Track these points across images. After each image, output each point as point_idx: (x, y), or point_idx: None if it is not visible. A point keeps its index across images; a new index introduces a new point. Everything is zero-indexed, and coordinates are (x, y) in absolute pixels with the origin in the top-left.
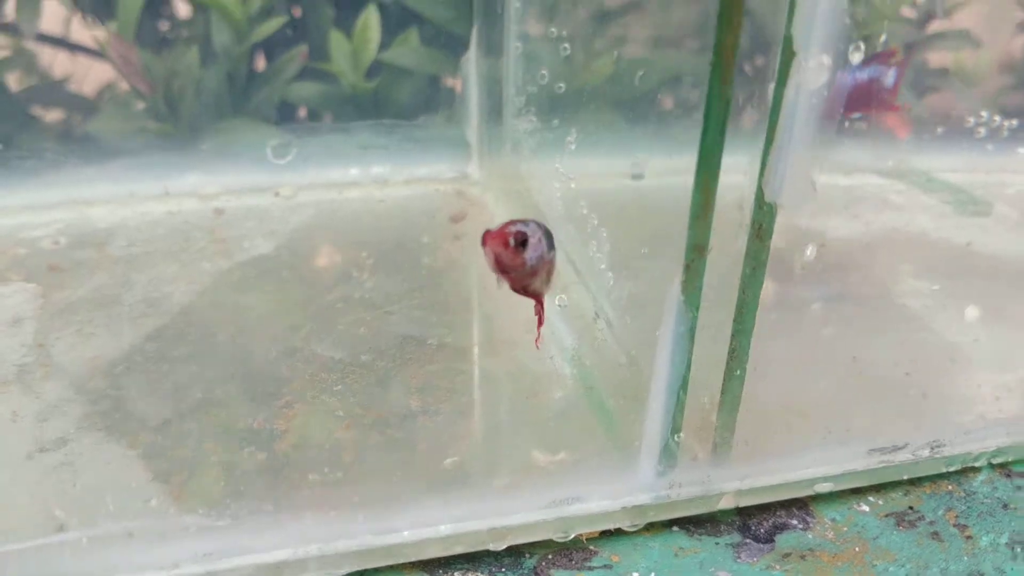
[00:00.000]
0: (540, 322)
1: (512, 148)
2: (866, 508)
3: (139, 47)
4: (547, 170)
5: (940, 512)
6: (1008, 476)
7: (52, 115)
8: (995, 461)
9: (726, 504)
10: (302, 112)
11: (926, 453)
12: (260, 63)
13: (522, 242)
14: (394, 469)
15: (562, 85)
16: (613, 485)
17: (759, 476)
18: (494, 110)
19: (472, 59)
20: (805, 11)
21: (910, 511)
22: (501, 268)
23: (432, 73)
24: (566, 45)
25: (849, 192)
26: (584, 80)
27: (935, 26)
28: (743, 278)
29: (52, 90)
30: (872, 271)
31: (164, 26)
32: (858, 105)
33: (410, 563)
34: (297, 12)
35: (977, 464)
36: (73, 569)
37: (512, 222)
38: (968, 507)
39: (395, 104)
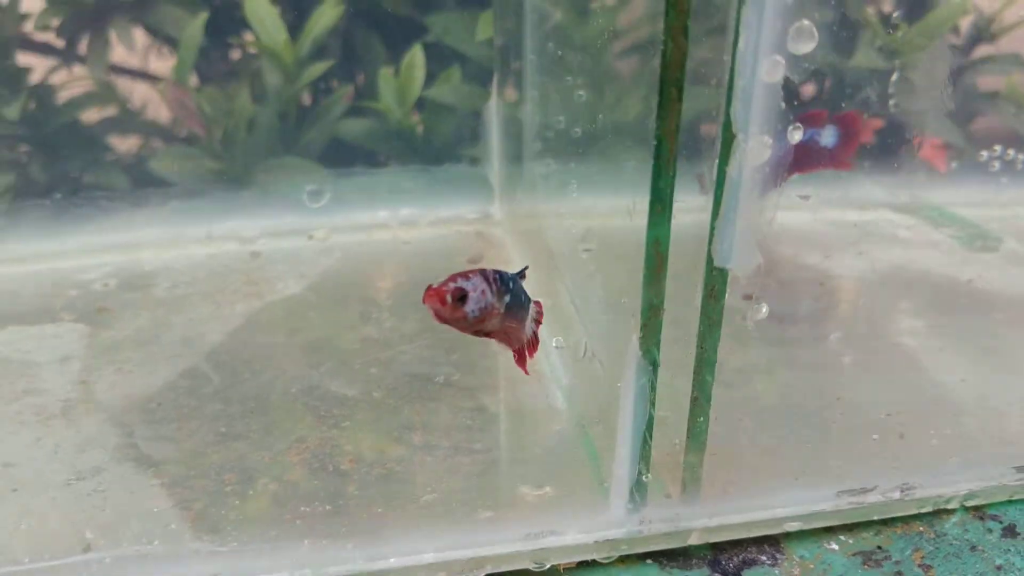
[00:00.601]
0: (519, 357)
1: (530, 190)
2: (835, 547)
3: (196, 88)
4: (560, 210)
5: (907, 552)
6: (981, 519)
7: (127, 144)
8: (969, 504)
9: (696, 540)
10: (342, 152)
11: (896, 495)
12: (307, 99)
13: (460, 298)
14: (389, 500)
15: (578, 130)
16: (587, 520)
17: (727, 515)
18: (515, 153)
19: (493, 106)
20: (743, 95)
21: (878, 550)
22: (442, 321)
23: (473, 109)
24: (581, 92)
25: (861, 228)
26: (615, 118)
27: (982, 50)
28: (700, 335)
29: (128, 119)
30: (870, 309)
31: (219, 69)
32: (804, 166)
33: None
34: (351, 46)
35: (950, 506)
36: None
37: (454, 276)
38: (936, 548)
39: (438, 139)
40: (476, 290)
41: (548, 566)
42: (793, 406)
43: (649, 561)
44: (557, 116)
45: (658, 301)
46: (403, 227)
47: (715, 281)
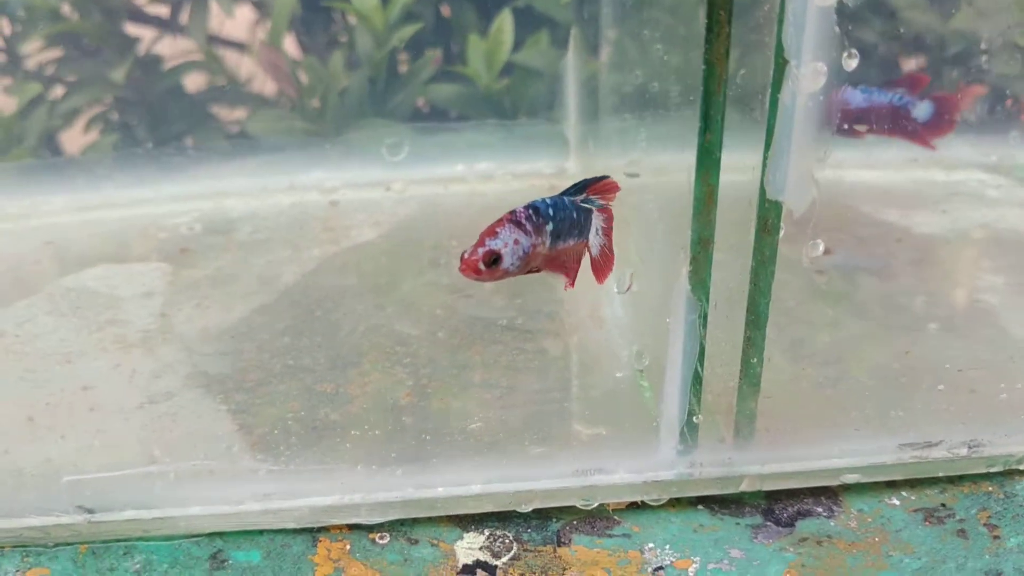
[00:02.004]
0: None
1: (605, 145)
2: (896, 502)
3: (296, 60)
4: (631, 165)
5: (973, 511)
6: None
7: (235, 114)
8: None
9: (748, 487)
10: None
11: (963, 452)
12: (402, 64)
13: (494, 260)
14: (440, 431)
15: (655, 84)
16: (637, 460)
17: (782, 462)
18: (591, 109)
19: (570, 61)
20: (795, 20)
21: (941, 508)
22: (487, 281)
23: (560, 73)
24: (659, 46)
25: (946, 187)
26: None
27: None
28: (753, 271)
29: (234, 91)
30: (949, 266)
31: (318, 39)
32: (886, 128)
33: (446, 516)
34: (442, 12)
35: (1022, 467)
36: (160, 497)
37: (483, 236)
38: (1004, 508)
39: (525, 103)
40: (507, 244)
41: (596, 504)
42: (859, 358)
43: (700, 507)
44: (634, 71)
45: (708, 233)
46: (479, 180)
47: (768, 214)
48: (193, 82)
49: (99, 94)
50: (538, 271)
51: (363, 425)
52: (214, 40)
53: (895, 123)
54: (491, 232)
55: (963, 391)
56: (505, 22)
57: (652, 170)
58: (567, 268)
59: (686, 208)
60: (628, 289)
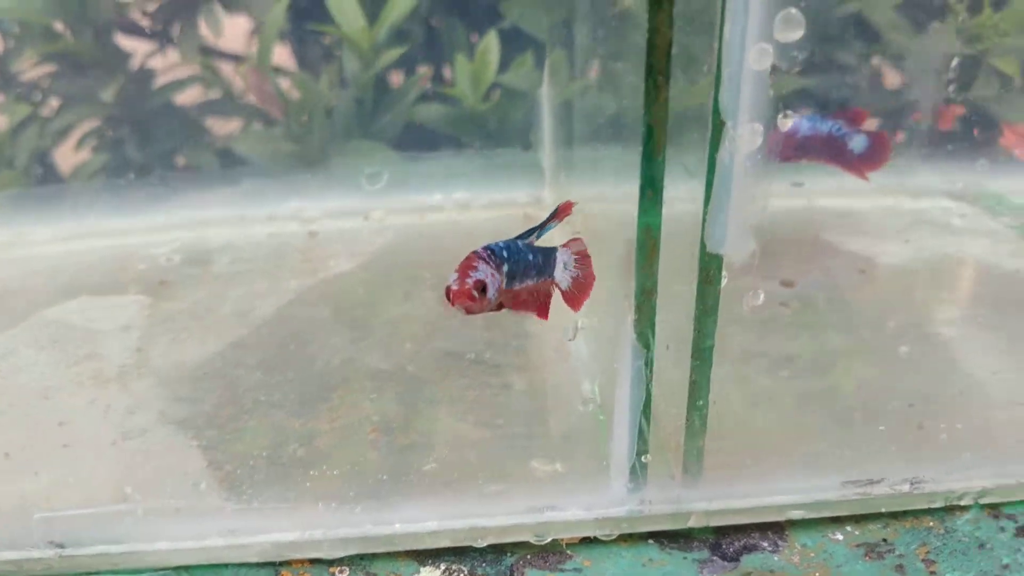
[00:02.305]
0: (541, 308)
1: (579, 175)
2: (840, 537)
3: (293, 73)
4: (605, 195)
5: (912, 546)
6: (995, 517)
7: (230, 126)
8: (984, 501)
9: (696, 523)
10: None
11: (905, 488)
12: (395, 80)
13: (482, 289)
14: (401, 469)
15: (629, 116)
16: (589, 497)
17: (729, 499)
18: (566, 138)
19: (545, 88)
20: (730, 83)
21: (883, 543)
22: (470, 313)
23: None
24: (633, 78)
25: (912, 215)
26: (685, 103)
27: None
28: (696, 319)
29: (228, 104)
30: (908, 297)
31: (312, 54)
32: (809, 153)
33: (404, 551)
34: (431, 32)
35: (963, 503)
36: (129, 532)
37: (464, 270)
38: (943, 544)
39: (511, 124)
40: (487, 275)
41: (549, 539)
42: (812, 393)
43: (651, 541)
44: (608, 102)
45: (650, 284)
46: (456, 209)
47: (709, 266)
48: (187, 97)
49: (90, 112)
50: (500, 309)
51: (327, 462)
52: (209, 52)
53: (832, 152)
54: (470, 266)
55: (911, 427)
56: (491, 43)
57: (618, 201)
58: (531, 306)
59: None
60: (573, 338)
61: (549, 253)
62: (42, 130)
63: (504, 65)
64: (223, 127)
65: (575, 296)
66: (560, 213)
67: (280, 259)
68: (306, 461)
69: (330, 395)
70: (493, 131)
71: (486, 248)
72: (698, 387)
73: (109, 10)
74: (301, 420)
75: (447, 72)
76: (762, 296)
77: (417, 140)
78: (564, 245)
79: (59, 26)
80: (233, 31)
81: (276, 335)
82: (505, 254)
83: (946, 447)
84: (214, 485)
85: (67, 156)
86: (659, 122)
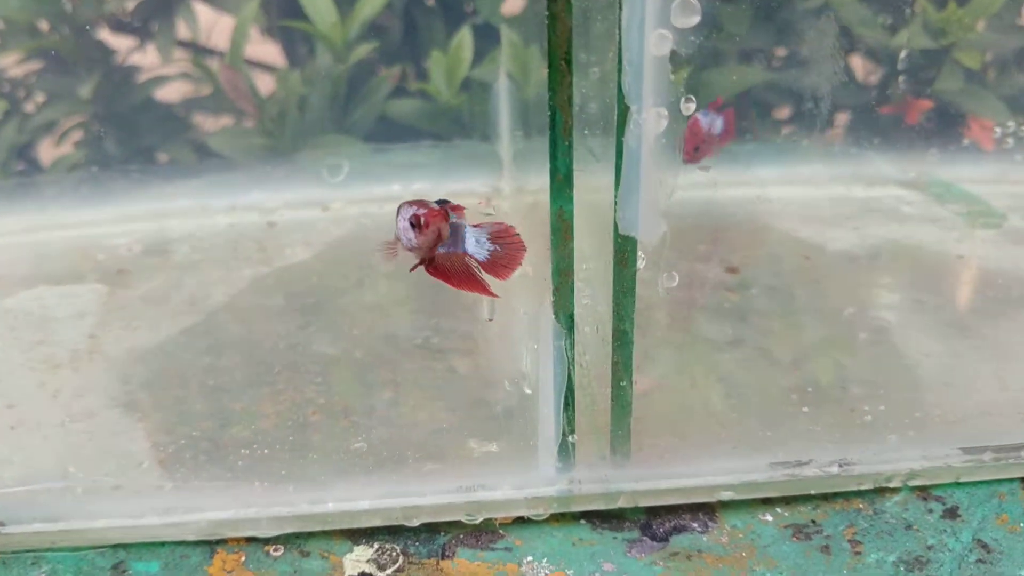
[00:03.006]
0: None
1: (535, 164)
2: (770, 518)
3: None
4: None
5: (840, 528)
6: (924, 499)
7: (219, 122)
8: (913, 483)
9: (625, 503)
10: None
11: (834, 470)
12: (363, 79)
13: (445, 216)
14: (342, 450)
15: (592, 105)
16: (519, 476)
17: (657, 480)
18: (524, 129)
19: (501, 80)
20: (632, 68)
21: (811, 524)
22: (423, 247)
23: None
24: (595, 69)
25: (863, 203)
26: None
27: None
28: (614, 300)
29: (212, 99)
30: (849, 283)
31: (271, 50)
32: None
33: (340, 530)
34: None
35: (891, 485)
36: (69, 511)
37: (412, 203)
38: (870, 525)
39: (484, 117)
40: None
41: (480, 519)
42: (749, 377)
43: (583, 521)
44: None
45: (566, 265)
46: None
47: (623, 248)
48: (171, 93)
49: (72, 108)
50: (423, 263)
51: (266, 442)
52: (187, 47)
53: (706, 138)
54: (416, 203)
55: (843, 410)
56: (465, 38)
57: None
58: (449, 274)
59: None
60: (491, 320)
61: (456, 227)
62: (21, 126)
63: (476, 60)
64: (211, 123)
65: (501, 268)
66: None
67: (236, 249)
68: (246, 441)
69: (275, 379)
70: (465, 125)
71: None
72: (620, 367)
73: (91, 7)
74: (244, 403)
75: (416, 67)
76: (676, 278)
77: (388, 135)
78: (475, 225)
79: (43, 24)
80: (220, 27)
81: (227, 322)
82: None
83: (876, 429)
84: (154, 465)
85: (50, 152)
86: (564, 105)
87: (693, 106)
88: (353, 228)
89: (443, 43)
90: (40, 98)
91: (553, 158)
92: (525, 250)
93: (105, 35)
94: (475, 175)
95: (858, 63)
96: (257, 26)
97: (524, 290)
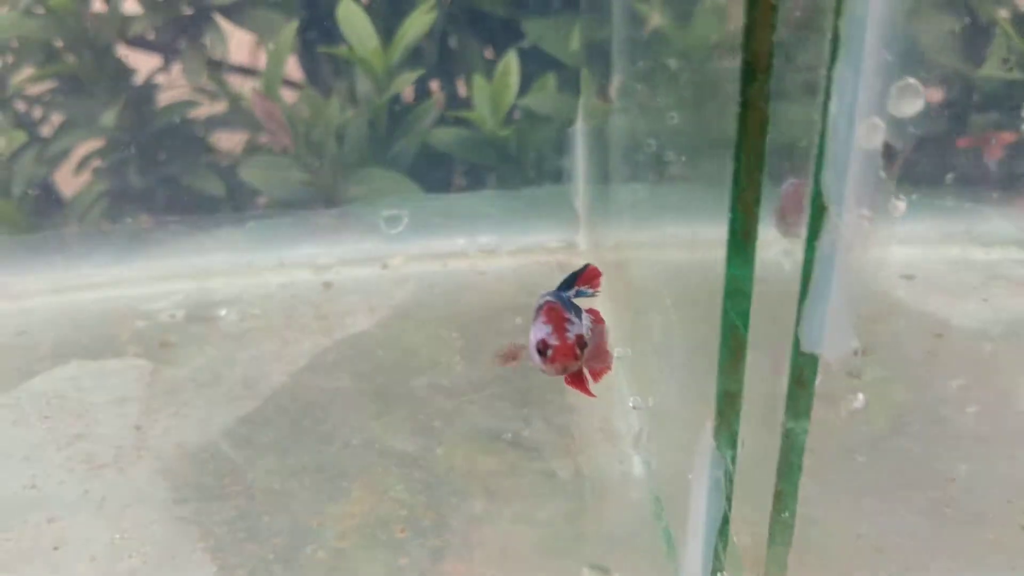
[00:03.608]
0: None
1: (617, 218)
2: None
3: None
4: (646, 242)
5: None
6: None
7: (234, 140)
8: None
9: None
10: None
11: None
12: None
13: (583, 345)
14: None
15: (670, 153)
16: None
17: None
18: (601, 178)
19: (579, 128)
20: (835, 162)
21: None
22: (567, 372)
23: (569, 119)
24: (673, 113)
25: (986, 269)
26: (714, 136)
27: None
28: (785, 425)
29: (236, 116)
30: (993, 368)
31: (320, 76)
32: None
33: None
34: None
35: None
36: None
37: (558, 318)
38: None
39: (532, 149)
40: (581, 328)
41: None
42: (900, 488)
43: None
44: (647, 139)
45: (736, 388)
46: (481, 255)
47: (803, 367)
48: (194, 114)
49: (91, 133)
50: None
51: (350, 568)
52: (216, 65)
53: None
54: (562, 317)
55: (1013, 528)
56: (511, 64)
57: (662, 249)
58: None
59: (708, 299)
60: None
61: (580, 312)
62: (40, 155)
63: (524, 87)
64: (232, 143)
65: (595, 368)
66: (588, 278)
67: (292, 315)
68: (326, 566)
69: (351, 484)
70: (513, 157)
71: (553, 297)
72: (784, 497)
73: (112, 27)
74: (319, 516)
75: (462, 93)
76: (862, 399)
77: (434, 167)
78: (587, 310)
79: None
80: (238, 42)
81: (289, 409)
82: (563, 305)
83: None
84: None
85: (68, 180)
86: (749, 209)
87: (903, 206)
88: (416, 290)
89: (485, 69)
90: (57, 119)
91: (731, 266)
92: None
93: (128, 55)
94: (546, 227)
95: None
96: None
97: (624, 376)
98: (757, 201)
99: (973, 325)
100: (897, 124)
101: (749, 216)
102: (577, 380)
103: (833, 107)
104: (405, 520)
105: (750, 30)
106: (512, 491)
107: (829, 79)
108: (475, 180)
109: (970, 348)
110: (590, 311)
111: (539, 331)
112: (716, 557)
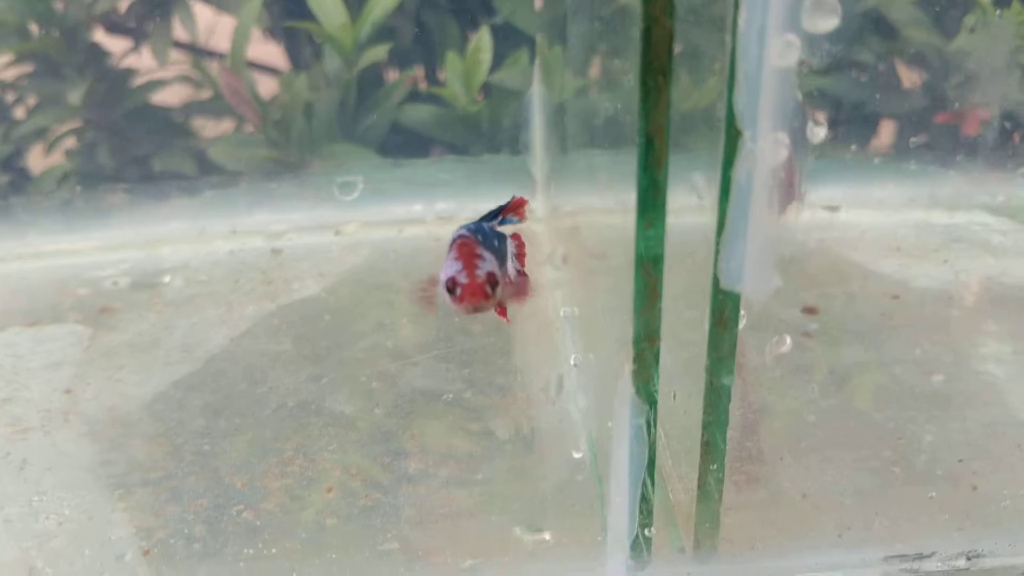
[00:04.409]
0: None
1: (574, 184)
2: None
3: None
4: (601, 207)
5: None
6: None
7: (219, 127)
8: None
9: None
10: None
11: (961, 563)
12: (371, 84)
13: (494, 284)
14: (359, 540)
15: (630, 117)
16: (583, 575)
17: None
18: (559, 143)
19: (536, 92)
20: (748, 84)
21: None
22: (479, 311)
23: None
24: (630, 76)
25: (948, 232)
26: (692, 104)
27: None
28: (708, 369)
29: (213, 102)
30: (949, 330)
31: (272, 51)
32: None
33: None
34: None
35: None
36: None
37: (469, 255)
38: None
39: (505, 125)
40: (493, 265)
41: None
42: (845, 445)
43: None
44: (605, 103)
45: (652, 330)
46: (437, 222)
47: (724, 306)
48: (169, 97)
49: (61, 114)
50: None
51: (274, 529)
52: (183, 47)
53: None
54: (474, 254)
55: (963, 488)
56: (483, 40)
57: (614, 214)
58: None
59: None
60: (557, 396)
61: (503, 239)
62: (8, 134)
63: (497, 63)
64: (211, 128)
65: (519, 294)
66: (515, 207)
67: (239, 281)
68: (250, 527)
69: (283, 445)
70: (485, 133)
71: (470, 231)
72: (712, 448)
73: (82, 8)
74: (247, 476)
75: (439, 73)
76: (788, 342)
77: (403, 144)
78: (511, 235)
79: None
80: (221, 28)
81: (226, 372)
82: (482, 238)
83: (1009, 513)
84: (139, 557)
85: (39, 161)
86: (659, 132)
87: (823, 132)
88: (370, 256)
89: (458, 45)
90: (30, 101)
91: (642, 200)
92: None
93: (98, 36)
94: (503, 193)
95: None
96: (258, 27)
97: (572, 337)
98: (667, 125)
99: (932, 286)
100: (812, 41)
101: (659, 141)
102: (499, 307)
103: (742, 22)
104: (336, 481)
105: None
106: (449, 451)
107: None
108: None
109: (927, 309)
110: (514, 236)
111: (448, 268)
112: (644, 510)
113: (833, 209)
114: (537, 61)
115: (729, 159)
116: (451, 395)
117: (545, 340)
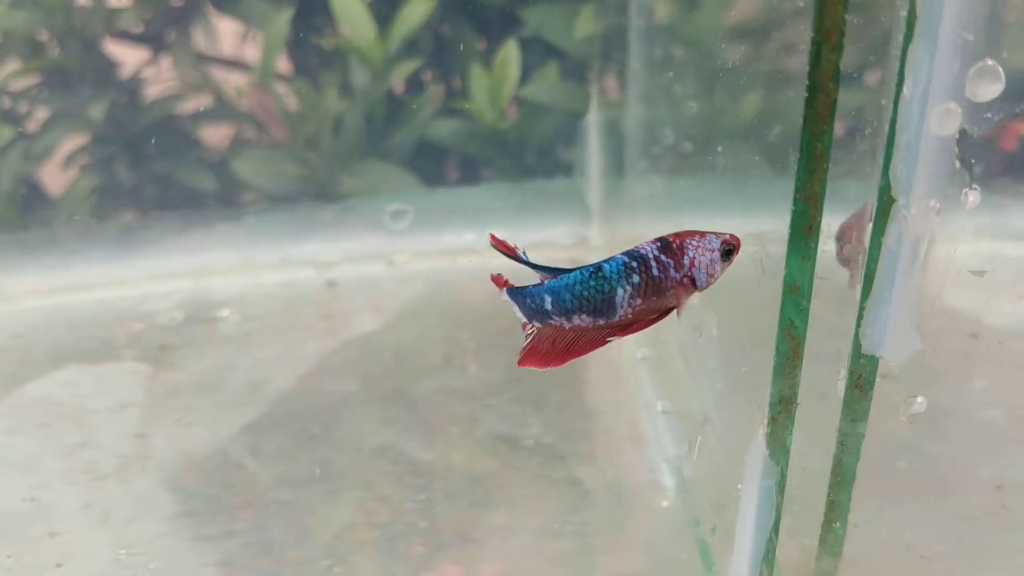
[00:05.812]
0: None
1: (633, 212)
2: None
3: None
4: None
5: None
6: None
7: (221, 133)
8: None
9: None
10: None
11: None
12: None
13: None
14: None
15: (688, 145)
16: None
17: None
18: (616, 171)
19: (592, 120)
20: (906, 151)
21: None
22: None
23: (570, 109)
24: (692, 104)
25: (1021, 264)
26: (728, 122)
27: None
28: (840, 430)
29: (224, 110)
30: None
31: (311, 65)
32: None
33: None
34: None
35: None
36: None
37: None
38: None
39: (532, 141)
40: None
41: None
42: (943, 495)
43: None
44: (663, 129)
45: (791, 393)
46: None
47: (862, 370)
48: (183, 107)
49: (78, 127)
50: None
51: None
52: (204, 59)
53: None
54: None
55: None
56: (511, 53)
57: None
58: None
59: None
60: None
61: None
62: (27, 151)
63: (524, 77)
64: (220, 137)
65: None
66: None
67: (296, 316)
68: None
69: (366, 495)
70: (513, 150)
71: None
72: (837, 507)
73: (98, 20)
74: (334, 528)
75: (457, 85)
76: (923, 401)
77: (433, 160)
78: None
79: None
80: (227, 34)
81: (296, 415)
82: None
83: None
84: None
85: (55, 176)
86: (814, 201)
87: (977, 196)
88: (426, 288)
89: (483, 58)
90: (42, 114)
91: (791, 263)
92: None
93: (115, 49)
94: (558, 222)
95: None
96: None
97: (648, 378)
98: (822, 192)
99: (1007, 324)
100: (974, 109)
101: (813, 209)
102: None
103: (907, 90)
104: (424, 533)
105: (820, 3)
106: (536, 501)
107: (903, 60)
108: (473, 173)
109: (1005, 348)
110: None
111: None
112: (764, 573)
113: (979, 274)
114: (594, 87)
115: (881, 226)
116: (532, 440)
117: (620, 382)
